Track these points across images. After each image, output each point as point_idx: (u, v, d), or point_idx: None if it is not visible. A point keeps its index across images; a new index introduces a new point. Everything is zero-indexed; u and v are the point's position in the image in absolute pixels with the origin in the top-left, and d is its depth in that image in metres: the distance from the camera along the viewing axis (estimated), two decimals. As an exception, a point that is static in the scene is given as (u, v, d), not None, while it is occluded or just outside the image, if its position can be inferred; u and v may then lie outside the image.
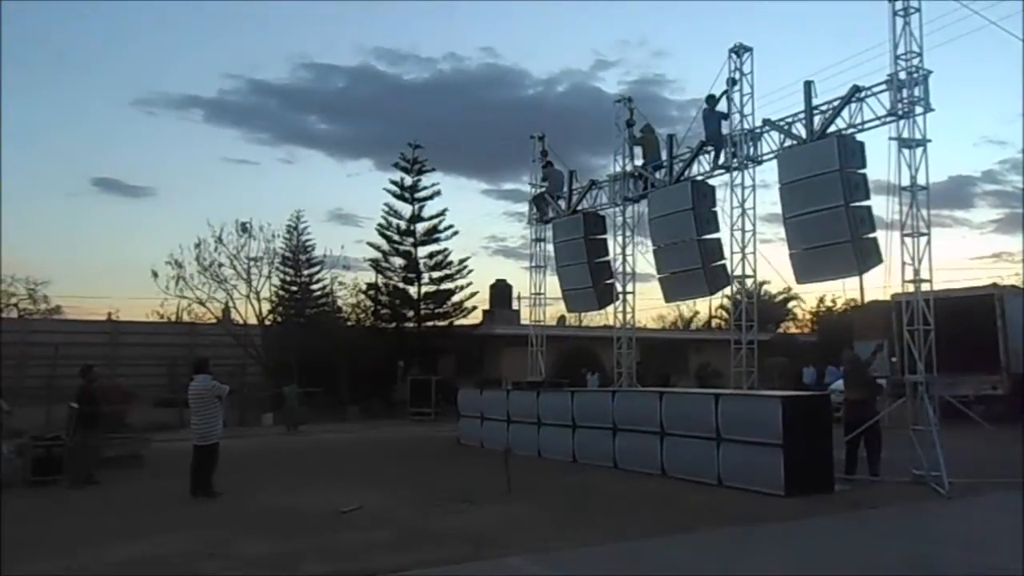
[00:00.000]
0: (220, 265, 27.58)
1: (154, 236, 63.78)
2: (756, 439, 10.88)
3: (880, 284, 42.10)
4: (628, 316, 17.74)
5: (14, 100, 61.13)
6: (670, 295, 16.41)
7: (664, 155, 16.47)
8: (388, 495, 11.13)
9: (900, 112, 12.17)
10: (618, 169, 17.67)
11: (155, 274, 27.57)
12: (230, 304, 28.66)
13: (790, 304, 41.74)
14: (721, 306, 45.77)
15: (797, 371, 27.53)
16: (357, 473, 13.70)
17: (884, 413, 12.93)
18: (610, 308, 19.05)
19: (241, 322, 28.97)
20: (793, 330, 41.51)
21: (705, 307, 46.28)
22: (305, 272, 30.66)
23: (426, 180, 31.12)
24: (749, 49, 14.94)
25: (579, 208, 18.42)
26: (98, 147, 64.56)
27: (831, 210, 12.85)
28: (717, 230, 15.41)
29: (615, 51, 75.15)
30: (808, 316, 41.94)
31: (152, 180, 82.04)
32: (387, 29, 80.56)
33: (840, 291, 41.46)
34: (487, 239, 74.20)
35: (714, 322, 47.25)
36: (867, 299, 33.71)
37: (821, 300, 40.51)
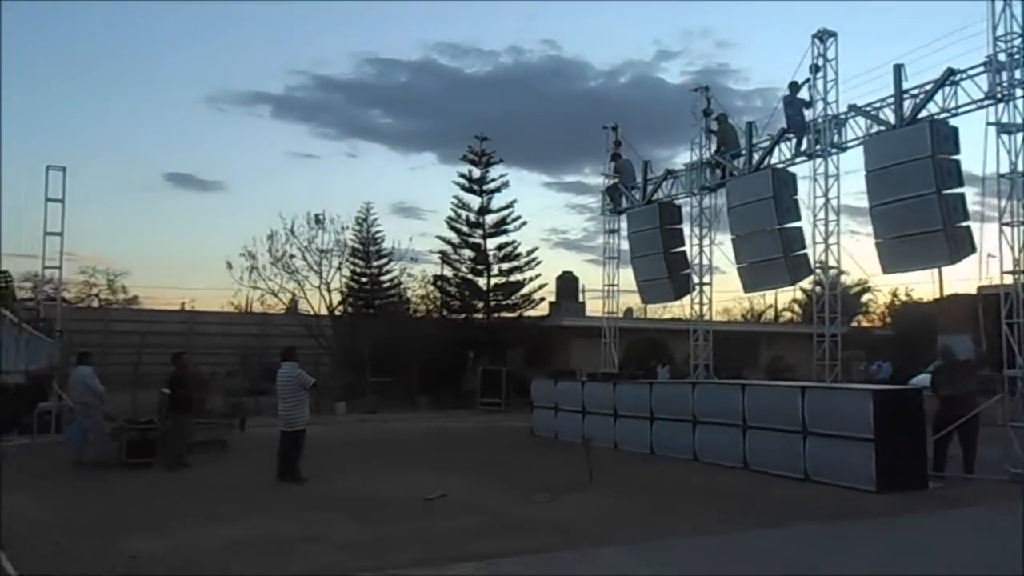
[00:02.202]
0: (291, 256, 28.11)
1: (225, 229, 65.45)
2: (845, 433, 10.60)
3: (962, 276, 40.73)
4: (704, 308, 17.46)
5: (90, 102, 63.33)
6: (749, 285, 16.14)
7: (743, 143, 16.17)
8: (469, 483, 11.18)
9: (999, 95, 11.70)
10: (694, 158, 17.41)
11: (229, 265, 28.25)
12: (298, 295, 29.16)
13: (864, 297, 40.57)
14: (795, 300, 45.05)
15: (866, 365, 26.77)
16: (435, 461, 13.81)
17: (982, 408, 12.45)
18: (679, 301, 18.89)
19: (311, 313, 29.47)
20: (865, 324, 40.45)
21: (778, 300, 45.48)
22: (375, 263, 31.03)
23: (493, 172, 31.20)
24: (833, 34, 14.55)
25: (654, 198, 18.21)
26: (171, 143, 66.40)
27: (922, 198, 12.48)
28: (798, 219, 15.12)
29: (678, 41, 74.16)
30: (883, 310, 40.76)
31: (222, 175, 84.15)
32: (449, 23, 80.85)
33: (914, 284, 40.31)
34: (548, 231, 74.20)
35: (786, 315, 46.39)
36: (946, 292, 32.72)
37: (895, 293, 39.38)
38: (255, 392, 24.84)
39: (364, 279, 31.21)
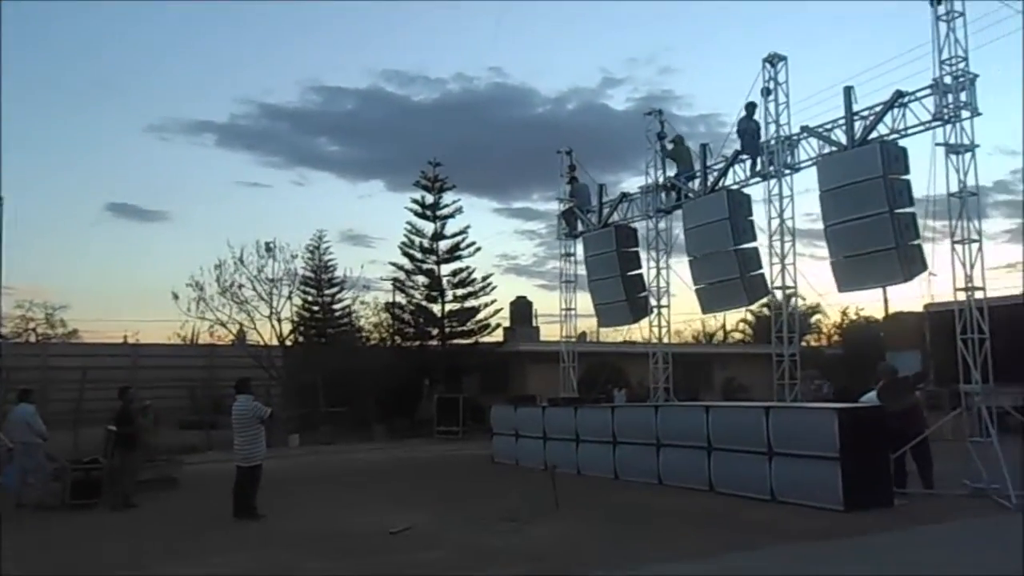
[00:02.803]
0: (240, 286, 27.45)
1: (169, 259, 63.77)
2: (811, 452, 10.60)
3: (907, 295, 41.77)
4: (663, 330, 17.46)
5: (28, 127, 61.56)
6: (707, 306, 16.20)
7: (697, 165, 16.30)
8: (433, 515, 10.88)
9: (946, 117, 11.97)
10: (649, 181, 17.50)
11: (176, 296, 27.40)
12: (245, 326, 28.42)
13: (814, 318, 41.28)
14: (744, 320, 45.64)
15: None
16: (396, 492, 13.46)
17: (937, 426, 12.62)
18: (637, 323, 18.87)
19: (260, 343, 28.77)
20: (814, 343, 41.09)
21: (727, 321, 46.04)
22: (327, 292, 30.48)
23: (446, 198, 31.03)
24: (784, 58, 14.79)
25: (610, 221, 18.23)
26: (113, 173, 64.83)
27: (874, 217, 12.66)
28: (754, 239, 15.25)
29: (623, 69, 75.17)
30: (832, 329, 41.55)
31: (166, 204, 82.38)
32: (396, 51, 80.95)
33: (863, 303, 41.20)
34: (499, 257, 73.98)
35: (735, 336, 46.95)
36: (892, 310, 33.46)
37: (844, 313, 40.18)
38: (204, 426, 24.15)
39: (316, 308, 30.62)
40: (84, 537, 9.99)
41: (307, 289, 30.05)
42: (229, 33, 71.36)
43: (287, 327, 28.77)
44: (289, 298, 28.26)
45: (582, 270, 19.51)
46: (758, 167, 14.96)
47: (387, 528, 9.70)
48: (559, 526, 9.82)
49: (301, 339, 30.05)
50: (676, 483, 12.60)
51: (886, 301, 34.00)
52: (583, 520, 10.27)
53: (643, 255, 17.92)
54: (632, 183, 43.84)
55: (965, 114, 11.82)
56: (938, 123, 12.13)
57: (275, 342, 28.55)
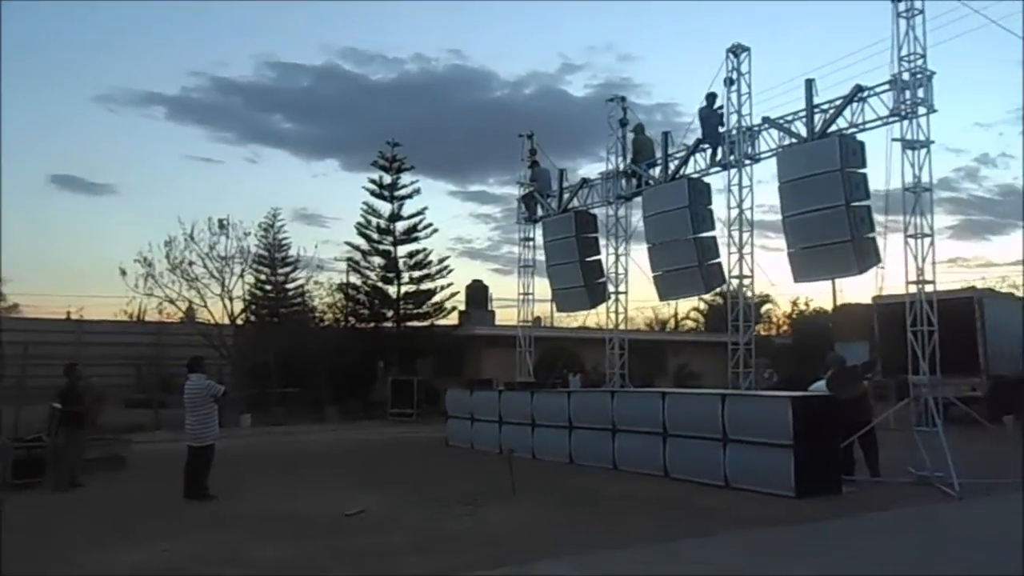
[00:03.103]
0: (191, 263, 26.88)
1: (116, 234, 62.37)
2: (765, 440, 10.76)
3: (856, 287, 42.73)
4: (620, 316, 17.55)
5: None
6: (665, 293, 16.30)
7: (659, 153, 16.35)
8: (388, 497, 10.79)
9: (903, 113, 12.17)
10: (610, 167, 17.51)
11: (123, 272, 26.75)
12: (195, 303, 27.84)
13: (764, 307, 41.98)
14: (695, 308, 46.21)
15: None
16: (350, 475, 13.33)
17: (885, 415, 12.92)
18: (592, 310, 18.94)
19: (211, 321, 28.24)
20: (764, 333, 41.78)
21: (679, 309, 46.54)
22: (280, 271, 30.04)
23: (404, 179, 30.78)
24: (747, 49, 14.88)
25: (570, 207, 18.22)
26: (57, 143, 62.96)
27: (831, 209, 12.81)
28: (713, 228, 15.36)
29: (582, 55, 75.39)
30: (782, 319, 42.32)
31: (113, 177, 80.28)
32: (354, 29, 79.98)
33: (812, 294, 42.14)
34: (454, 240, 73.83)
35: (687, 324, 47.53)
36: (841, 302, 34.19)
37: (794, 303, 40.95)
38: (152, 404, 23.67)
39: (269, 287, 30.18)
40: (27, 518, 9.67)
41: (260, 268, 29.59)
42: (181, 3, 69.53)
43: (239, 306, 28.34)
44: (241, 276, 27.83)
45: (540, 255, 19.51)
46: (719, 156, 15.05)
47: (342, 511, 9.60)
48: (515, 510, 9.82)
49: (253, 318, 29.60)
50: (631, 468, 12.70)
51: (835, 293, 34.75)
52: (539, 505, 10.27)
53: (602, 241, 17.96)
54: (589, 169, 44.03)
55: (922, 111, 12.02)
56: (895, 119, 12.33)
57: (226, 321, 28.07)
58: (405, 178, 30.66)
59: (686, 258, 15.30)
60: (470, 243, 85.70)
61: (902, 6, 12.18)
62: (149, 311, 28.83)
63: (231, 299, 27.52)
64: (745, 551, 7.80)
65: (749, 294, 15.41)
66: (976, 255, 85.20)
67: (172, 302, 27.19)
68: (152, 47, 68.89)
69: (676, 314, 47.05)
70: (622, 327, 17.70)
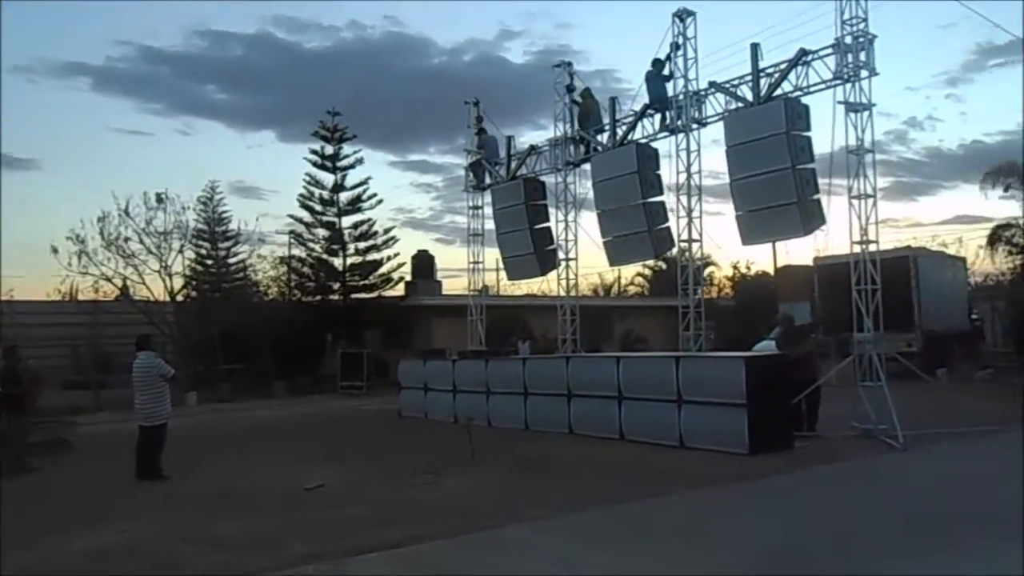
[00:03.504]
0: (127, 240, 26.02)
1: (44, 211, 59.92)
2: (719, 400, 10.97)
3: (795, 249, 43.62)
4: (571, 283, 17.64)
5: None
6: (615, 258, 16.41)
7: (606, 119, 16.36)
8: (347, 470, 10.72)
9: (846, 76, 12.37)
10: (558, 134, 17.46)
11: (55, 250, 25.77)
12: (133, 281, 26.99)
13: (707, 270, 42.67)
14: (639, 273, 46.72)
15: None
16: (305, 449, 13.19)
17: (833, 373, 13.29)
18: (542, 277, 18.99)
19: (150, 299, 27.46)
20: (706, 295, 42.33)
21: (622, 274, 46.98)
22: (221, 245, 29.29)
23: (347, 149, 30.23)
24: (693, 13, 14.91)
25: (518, 174, 18.15)
26: (-25, 116, 59.97)
27: (778, 172, 12.99)
28: (661, 193, 15.46)
29: (520, 21, 74.77)
30: (724, 282, 43.05)
31: (36, 152, 77.02)
32: (288, -6, 77.57)
33: (752, 257, 43.00)
34: (395, 211, 73.02)
35: (631, 289, 48.06)
36: (781, 264, 34.93)
37: (735, 266, 41.68)
38: (92, 385, 23.05)
39: (210, 262, 29.43)
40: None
41: (200, 243, 28.84)
42: (105, -32, 66.66)
43: (179, 282, 27.63)
44: (181, 252, 27.10)
45: (488, 224, 19.43)
46: (667, 121, 15.12)
47: (301, 485, 9.51)
48: (476, 478, 9.85)
49: (194, 295, 28.89)
50: (587, 432, 12.84)
51: (775, 255, 35.46)
52: (499, 471, 10.33)
53: (551, 209, 17.95)
54: (529, 137, 43.91)
55: (864, 74, 12.25)
56: (838, 82, 12.52)
57: (166, 298, 27.35)
58: (347, 148, 30.15)
59: (635, 223, 15.40)
60: (411, 213, 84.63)
61: (844, -32, 12.33)
62: (84, 290, 27.89)
63: (170, 275, 26.82)
64: (703, 508, 7.98)
65: (698, 258, 15.60)
66: (905, 216, 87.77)
67: (108, 280, 26.36)
68: (74, 15, 66.01)
69: (619, 279, 47.55)
70: (573, 294, 17.77)
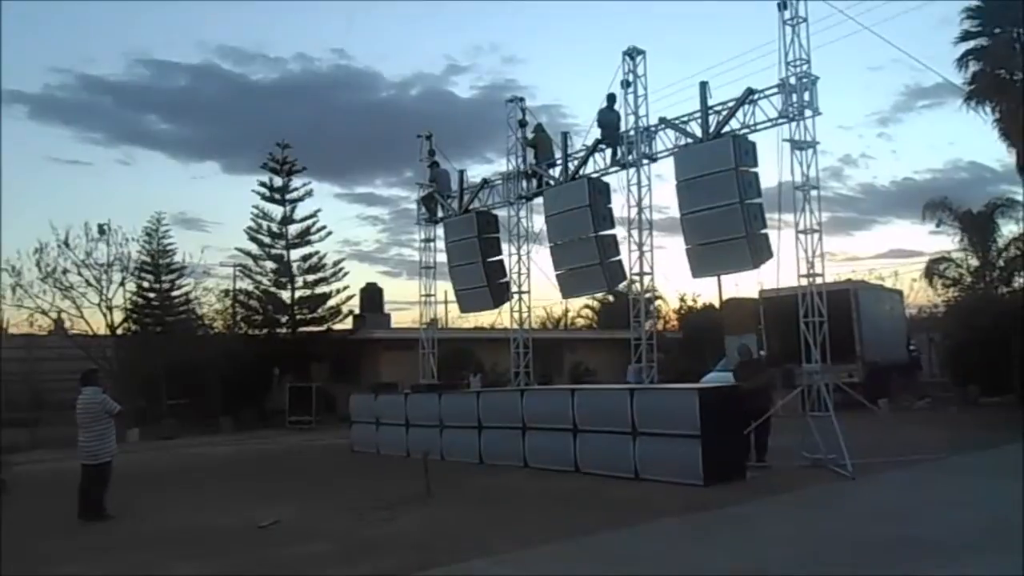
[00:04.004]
0: (65, 272, 25.31)
1: (-27, 241, 57.87)
2: (673, 431, 11.08)
3: (741, 282, 44.48)
4: (524, 316, 17.69)
5: None
6: (567, 291, 16.51)
7: (558, 154, 16.57)
8: (301, 506, 10.53)
9: (791, 115, 12.78)
10: (511, 168, 17.62)
11: (-12, 282, 24.91)
12: (70, 314, 26.21)
13: (655, 303, 43.27)
14: (587, 306, 47.10)
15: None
16: (255, 486, 12.92)
17: (783, 403, 13.55)
18: (495, 310, 19.01)
19: (88, 332, 26.66)
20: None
21: (572, 307, 47.31)
22: (165, 278, 28.67)
23: (295, 182, 30.06)
24: (642, 52, 15.26)
25: (471, 208, 18.23)
26: (-95, 143, 57.91)
27: (727, 207, 13.27)
28: (613, 226, 15.65)
29: (467, 56, 75.46)
30: (672, 314, 43.66)
31: (-31, 180, 74.53)
32: (232, 27, 77.30)
33: (698, 290, 43.74)
34: (341, 243, 72.60)
35: (579, 321, 48.41)
36: (727, 296, 35.59)
37: (682, 299, 42.34)
38: (27, 423, 22.22)
39: (152, 295, 28.76)
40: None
41: (144, 275, 28.19)
42: (44, -4, 65.39)
43: (119, 316, 26.90)
44: (122, 284, 26.43)
45: (440, 257, 19.40)
46: (618, 156, 15.39)
47: (255, 523, 9.30)
48: (433, 512, 9.77)
49: (136, 328, 28.15)
50: (542, 465, 12.83)
51: (720, 288, 36.15)
52: (456, 505, 10.26)
53: (503, 242, 18.05)
54: (478, 171, 44.18)
55: (808, 113, 12.68)
56: (784, 120, 12.92)
57: (106, 332, 26.58)
58: (296, 181, 29.97)
59: (588, 256, 15.55)
60: (358, 245, 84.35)
61: (787, 14, 12.80)
62: (18, 323, 26.96)
63: (110, 309, 26.13)
64: (663, 538, 8.03)
65: (649, 291, 15.80)
66: (842, 249, 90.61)
67: (44, 313, 25.56)
68: (10, 42, 64.50)
69: (566, 312, 47.86)
70: (525, 327, 17.83)
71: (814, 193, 12.66)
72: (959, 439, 14.12)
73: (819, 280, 12.65)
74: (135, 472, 14.31)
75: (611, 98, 15.16)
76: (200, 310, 29.48)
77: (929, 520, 8.12)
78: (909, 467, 11.53)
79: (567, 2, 76.22)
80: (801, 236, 12.63)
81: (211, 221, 76.69)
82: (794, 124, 12.73)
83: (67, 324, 26.19)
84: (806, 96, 12.68)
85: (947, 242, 27.35)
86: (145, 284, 28.32)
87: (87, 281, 25.48)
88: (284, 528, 9.09)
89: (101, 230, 25.00)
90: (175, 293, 29.00)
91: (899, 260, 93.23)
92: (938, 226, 26.72)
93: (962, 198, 26.98)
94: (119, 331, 27.04)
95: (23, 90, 74.16)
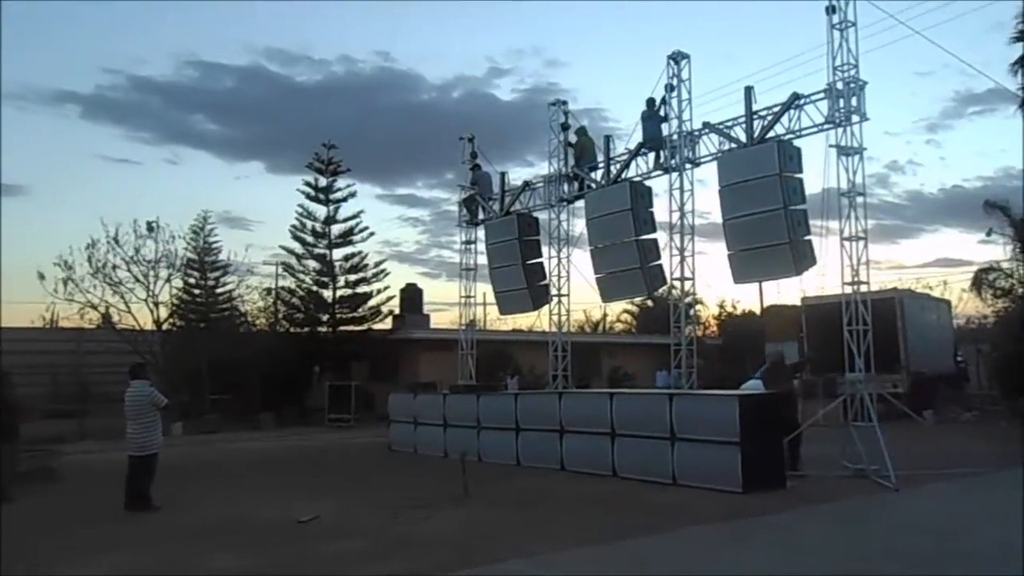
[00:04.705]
0: (115, 267, 25.88)
1: (30, 237, 59.59)
2: (712, 437, 11.00)
3: (783, 289, 43.94)
4: (563, 319, 17.68)
5: None
6: (607, 294, 16.49)
7: (601, 157, 16.56)
8: (340, 503, 10.65)
9: (837, 121, 12.61)
10: (552, 171, 17.64)
11: (42, 276, 25.57)
12: (119, 309, 26.77)
13: (695, 308, 42.96)
14: (626, 310, 46.90)
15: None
16: (296, 481, 13.10)
17: (822, 413, 13.37)
18: (534, 312, 19.00)
19: (136, 327, 27.22)
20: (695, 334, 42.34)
21: (612, 312, 47.09)
22: (210, 275, 29.20)
23: (340, 182, 30.44)
24: (687, 56, 15.18)
25: (512, 210, 18.28)
26: (-38, 142, 59.84)
27: (770, 213, 13.14)
28: (654, 230, 15.61)
29: (509, 59, 75.58)
30: (712, 320, 43.28)
31: (23, 178, 76.87)
32: (279, 29, 78.21)
33: (738, 296, 43.32)
34: (381, 244, 73.16)
35: (618, 326, 48.17)
36: (767, 303, 35.21)
37: (722, 305, 41.98)
38: (76, 414, 22.76)
39: (197, 292, 29.30)
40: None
41: (189, 272, 28.73)
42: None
43: (164, 311, 27.44)
44: (168, 281, 26.96)
45: (480, 259, 19.49)
46: (661, 160, 15.32)
47: (294, 518, 9.43)
48: (470, 513, 9.81)
49: (180, 324, 28.69)
50: (579, 468, 12.82)
51: (762, 294, 35.76)
52: (492, 506, 10.28)
53: (544, 245, 18.07)
54: (518, 173, 44.32)
55: (855, 119, 12.49)
56: (830, 126, 12.75)
57: (152, 327, 27.13)
58: (340, 181, 30.34)
59: (628, 260, 15.51)
60: (398, 246, 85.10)
61: (835, 18, 12.63)
62: (68, 317, 27.63)
63: (157, 304, 26.66)
64: (703, 544, 7.98)
65: (690, 296, 15.71)
66: (887, 258, 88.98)
67: (94, 307, 26.15)
68: (63, 43, 66.28)
69: (605, 316, 47.69)
70: (564, 329, 17.82)
71: (860, 200, 12.50)
72: (1007, 453, 13.78)
73: (864, 288, 12.46)
74: (180, 464, 14.61)
75: (652, 102, 15.12)
76: (243, 307, 30.01)
77: (975, 534, 7.96)
78: (955, 480, 11.31)
79: (610, 4, 76.05)
80: (846, 243, 12.47)
81: (254, 220, 78.05)
82: (840, 130, 12.56)
83: (115, 319, 26.75)
84: (854, 101, 12.50)
85: (998, 251, 26.71)
86: (190, 281, 28.85)
87: (135, 277, 26.00)
88: (322, 524, 9.21)
89: (150, 227, 25.52)
90: (219, 290, 29.50)
91: (947, 269, 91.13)
92: (989, 235, 26.06)
93: (1014, 206, 26.32)
94: (164, 327, 27.58)
95: (76, 90, 76.16)
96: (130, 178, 59.95)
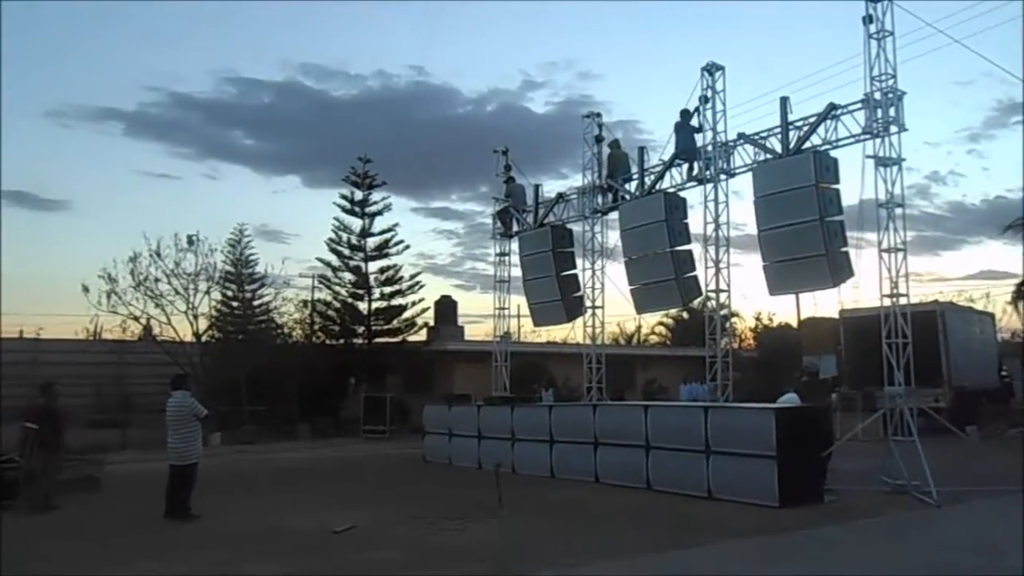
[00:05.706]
0: (156, 280, 26.36)
1: (72, 251, 61.07)
2: (748, 451, 10.91)
3: (818, 301, 43.32)
4: (597, 331, 17.66)
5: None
6: (642, 306, 16.42)
7: (634, 168, 16.55)
8: (374, 513, 10.72)
9: (875, 131, 12.47)
10: (586, 182, 17.67)
11: (86, 289, 26.11)
12: (160, 321, 27.24)
13: (730, 321, 42.57)
14: (660, 323, 46.59)
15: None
16: (332, 491, 13.20)
17: (861, 428, 13.17)
18: (569, 324, 19.00)
19: (176, 339, 27.70)
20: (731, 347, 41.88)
21: (643, 323, 46.81)
22: (248, 288, 29.63)
23: (375, 195, 30.74)
24: (721, 67, 15.15)
25: (546, 222, 18.33)
26: (7, 159, 61.58)
27: (806, 224, 13.02)
28: (689, 241, 15.54)
29: (543, 72, 75.89)
30: (748, 332, 42.84)
31: (67, 194, 78.79)
32: (315, 45, 79.58)
33: (775, 308, 42.80)
34: (416, 256, 73.71)
35: (652, 338, 47.86)
36: (808, 315, 34.76)
37: (758, 317, 41.55)
38: (118, 424, 23.20)
39: (235, 304, 29.74)
40: (5, 542, 9.40)
41: (227, 284, 29.17)
42: (138, 17, 68.74)
43: (204, 323, 27.88)
44: (207, 293, 27.40)
45: (514, 272, 19.57)
46: (695, 171, 15.27)
47: (329, 527, 9.52)
48: (504, 524, 9.81)
49: (219, 336, 29.13)
50: (613, 481, 12.78)
51: (798, 307, 35.34)
52: (527, 518, 10.28)
53: (578, 256, 18.09)
54: (552, 186, 44.27)
55: (893, 129, 12.35)
56: (868, 136, 12.62)
57: (191, 338, 27.58)
58: (375, 195, 30.66)
59: (663, 271, 15.46)
60: (433, 259, 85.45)
61: (873, 28, 12.52)
62: (111, 329, 28.20)
63: (196, 317, 27.10)
64: (740, 558, 7.90)
65: (725, 308, 15.60)
66: (928, 270, 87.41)
67: (136, 319, 26.67)
68: (107, 62, 67.92)
69: (639, 328, 47.42)
70: (598, 342, 17.79)
71: (899, 211, 12.36)
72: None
73: (903, 300, 12.28)
74: (219, 475, 14.79)
75: (686, 113, 15.10)
76: (280, 319, 30.37)
77: (1018, 553, 7.77)
78: (999, 496, 11.05)
79: (643, 16, 76.03)
80: (884, 255, 12.32)
81: (291, 233, 79.02)
82: (878, 140, 12.44)
83: (156, 331, 27.25)
84: (891, 112, 12.37)
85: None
86: (228, 293, 29.29)
87: (175, 290, 26.46)
88: (358, 533, 9.28)
89: (190, 241, 25.95)
90: (256, 302, 29.90)
91: (990, 282, 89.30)
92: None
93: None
94: (203, 338, 28.02)
95: (119, 107, 77.96)
96: (171, 193, 61.22)
